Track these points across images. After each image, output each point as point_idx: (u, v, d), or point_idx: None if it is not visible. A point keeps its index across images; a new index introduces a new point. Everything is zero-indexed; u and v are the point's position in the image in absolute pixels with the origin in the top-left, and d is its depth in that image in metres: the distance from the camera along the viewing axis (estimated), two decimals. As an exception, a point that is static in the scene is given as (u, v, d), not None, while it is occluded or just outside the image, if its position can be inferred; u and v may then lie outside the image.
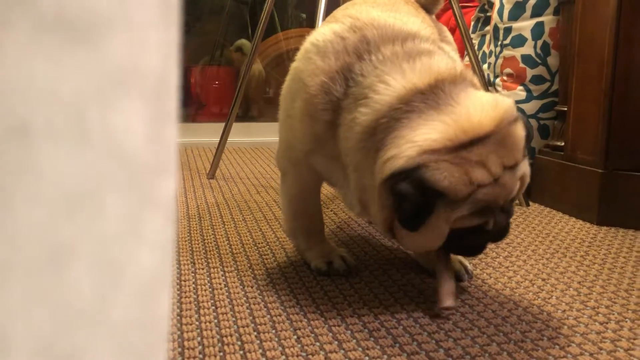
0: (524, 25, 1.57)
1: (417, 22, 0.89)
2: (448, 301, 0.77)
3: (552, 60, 1.54)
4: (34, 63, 0.16)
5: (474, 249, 0.82)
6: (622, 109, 1.24)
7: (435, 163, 0.70)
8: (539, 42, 1.55)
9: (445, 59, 0.79)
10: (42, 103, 0.16)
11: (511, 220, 0.83)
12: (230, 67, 2.80)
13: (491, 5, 1.79)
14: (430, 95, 0.74)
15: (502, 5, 1.62)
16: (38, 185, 0.17)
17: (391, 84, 0.76)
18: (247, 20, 2.83)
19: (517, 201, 0.84)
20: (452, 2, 1.46)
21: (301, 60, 0.85)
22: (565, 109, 1.40)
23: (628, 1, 1.21)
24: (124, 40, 0.18)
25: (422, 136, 0.71)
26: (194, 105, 2.71)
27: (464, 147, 0.71)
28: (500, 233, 0.80)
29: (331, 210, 1.35)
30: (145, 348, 0.20)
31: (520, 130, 0.75)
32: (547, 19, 1.54)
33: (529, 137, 0.78)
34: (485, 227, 0.76)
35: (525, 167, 0.77)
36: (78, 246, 0.18)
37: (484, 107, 0.74)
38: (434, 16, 1.15)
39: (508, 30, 1.60)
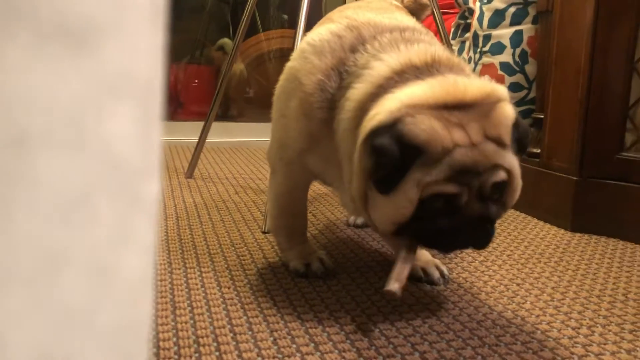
0: (503, 33, 1.59)
1: (412, 20, 0.90)
2: (393, 286, 0.73)
3: (530, 68, 1.56)
4: (34, 73, 0.16)
5: (446, 239, 0.75)
6: (597, 118, 1.26)
7: (414, 116, 0.69)
8: (518, 50, 1.57)
9: (446, 51, 0.80)
10: (41, 112, 0.16)
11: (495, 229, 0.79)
12: (211, 66, 2.79)
13: (471, 12, 1.81)
14: (425, 71, 0.74)
15: (482, 13, 1.65)
16: (35, 193, 0.16)
17: (385, 59, 0.76)
18: (229, 19, 2.82)
19: (503, 213, 0.80)
20: (434, 8, 1.48)
21: (297, 60, 0.85)
22: (542, 116, 1.42)
23: (604, 12, 1.23)
24: (118, 46, 0.18)
25: (405, 93, 0.71)
26: (173, 103, 2.69)
27: (446, 108, 0.70)
28: (479, 232, 0.75)
29: (310, 213, 1.35)
30: (131, 350, 0.20)
31: (508, 111, 0.72)
32: (526, 27, 1.56)
33: (524, 138, 0.74)
34: (458, 201, 0.71)
35: (513, 161, 0.73)
36: (72, 252, 0.18)
37: (474, 81, 0.74)
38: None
39: (487, 38, 1.62)
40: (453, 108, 0.70)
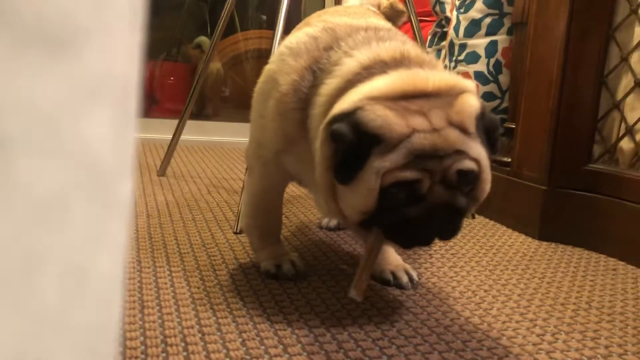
0: (479, 43, 1.61)
1: (388, 24, 0.92)
2: (353, 292, 0.74)
3: (504, 78, 1.59)
4: (15, 77, 0.16)
5: (413, 229, 0.73)
6: (566, 129, 1.29)
7: (372, 106, 0.69)
8: (492, 60, 1.59)
9: (417, 48, 0.81)
10: (21, 116, 0.16)
11: (462, 225, 0.77)
12: (187, 64, 2.77)
13: (448, 21, 1.84)
14: (392, 66, 0.75)
15: (458, 22, 1.67)
16: (12, 195, 0.16)
17: (356, 55, 0.77)
18: (207, 18, 2.80)
19: (472, 209, 0.77)
20: (411, 16, 1.49)
21: (275, 62, 0.86)
22: (514, 126, 1.44)
23: (576, 27, 1.26)
24: (97, 48, 0.18)
25: (368, 86, 0.72)
26: (148, 100, 2.66)
27: (406, 97, 0.70)
28: (445, 223, 0.73)
29: (283, 214, 1.35)
30: (101, 350, 0.20)
31: (472, 101, 0.72)
32: (501, 38, 1.59)
33: (494, 129, 0.74)
34: (419, 187, 0.70)
35: (481, 151, 0.72)
36: (48, 253, 0.17)
37: (438, 74, 0.74)
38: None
39: (463, 47, 1.64)
40: (414, 97, 0.71)
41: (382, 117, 0.68)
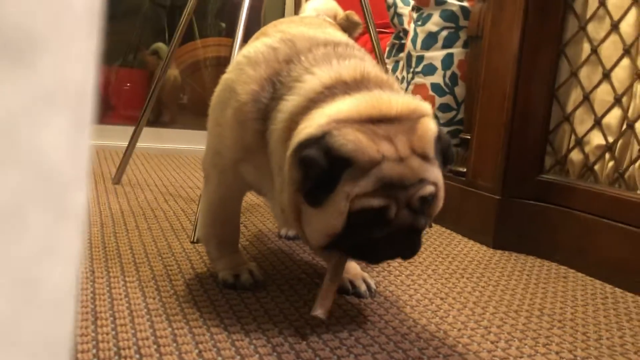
0: (435, 55, 1.65)
1: (345, 36, 0.92)
2: (319, 311, 0.75)
3: (459, 90, 1.62)
4: None
5: (377, 250, 0.76)
6: (519, 141, 1.33)
7: (342, 129, 0.70)
8: (448, 72, 1.63)
9: (376, 67, 0.83)
10: None
11: (422, 240, 0.81)
12: (144, 70, 2.72)
13: (406, 33, 1.87)
14: (353, 87, 0.76)
15: (415, 34, 1.70)
16: None
17: (317, 73, 0.78)
18: (165, 24, 2.77)
19: (429, 223, 0.84)
20: (370, 27, 1.51)
21: (233, 72, 0.86)
22: (469, 137, 1.48)
23: (529, 41, 1.30)
24: (55, 57, 0.17)
25: (332, 108, 0.73)
26: (103, 106, 2.60)
27: (372, 121, 0.72)
28: (407, 243, 0.77)
29: (241, 223, 1.34)
30: (52, 365, 0.19)
31: (431, 125, 0.75)
32: (457, 51, 1.62)
33: (447, 149, 0.77)
34: (387, 214, 0.72)
35: (438, 174, 0.76)
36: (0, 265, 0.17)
37: (399, 97, 0.76)
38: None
39: (420, 59, 1.67)
40: (379, 122, 0.72)
41: (354, 142, 0.70)
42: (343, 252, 0.78)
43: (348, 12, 1.21)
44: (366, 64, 0.81)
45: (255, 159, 0.84)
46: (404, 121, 0.73)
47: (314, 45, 0.83)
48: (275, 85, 0.80)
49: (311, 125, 0.72)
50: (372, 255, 0.78)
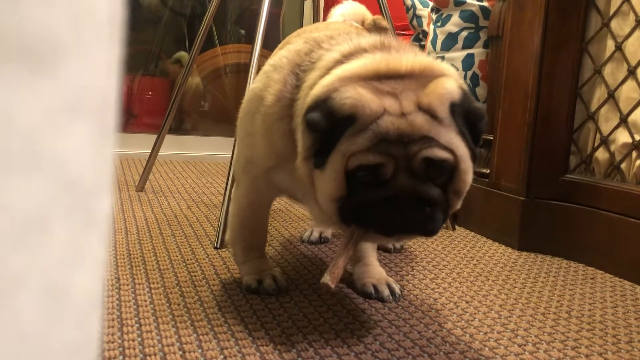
0: (456, 56, 1.63)
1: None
2: (327, 279, 0.71)
3: (481, 90, 1.61)
4: None
5: (380, 216, 0.70)
6: (543, 141, 1.31)
7: (344, 87, 0.69)
8: (469, 73, 1.61)
9: (403, 42, 0.81)
10: None
11: (437, 236, 0.77)
12: (166, 79, 2.75)
13: (426, 34, 1.86)
14: (371, 51, 0.75)
15: (435, 36, 1.69)
16: None
17: (337, 49, 0.77)
18: (185, 32, 2.79)
19: (452, 203, 0.73)
20: (389, 30, 1.50)
21: (259, 81, 0.87)
22: (492, 138, 1.46)
23: (551, 40, 1.29)
24: (76, 65, 0.17)
25: (342, 68, 0.72)
26: (126, 115, 2.64)
27: (379, 78, 0.70)
28: (416, 214, 0.70)
29: (263, 228, 1.35)
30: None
31: (449, 85, 0.69)
32: (477, 51, 1.61)
33: (475, 119, 0.70)
34: (382, 172, 0.68)
35: (455, 140, 0.69)
36: (27, 274, 0.17)
37: (415, 56, 0.73)
38: None
39: (440, 60, 1.66)
40: (388, 78, 0.70)
41: (354, 97, 0.68)
42: (349, 220, 0.73)
43: (376, 17, 1.21)
44: (391, 39, 0.79)
45: (288, 164, 0.83)
46: (417, 79, 0.70)
47: (335, 35, 0.83)
48: (298, 75, 0.80)
49: (319, 87, 0.72)
50: (377, 224, 0.72)
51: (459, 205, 0.74)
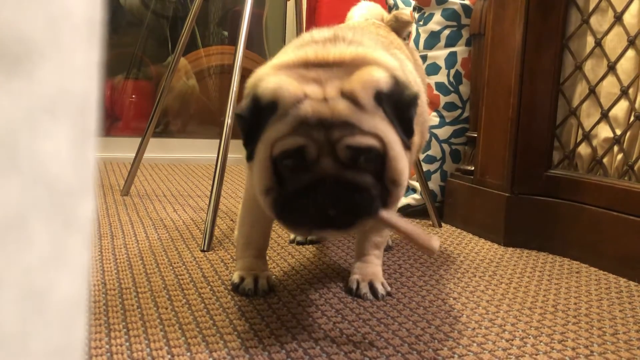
0: (438, 55, 1.64)
1: (392, 35, 0.97)
2: (433, 242, 0.70)
3: (464, 88, 1.62)
4: None
5: (305, 205, 0.68)
6: (526, 137, 1.32)
7: (268, 76, 0.70)
8: (452, 71, 1.62)
9: (376, 38, 0.84)
10: None
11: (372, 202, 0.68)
12: (149, 81, 2.73)
13: (408, 34, 1.86)
14: (319, 43, 0.76)
15: (418, 35, 1.70)
16: None
17: (294, 42, 0.81)
18: (168, 34, 2.78)
19: (394, 193, 0.71)
20: (372, 29, 1.51)
21: None
22: (476, 135, 1.47)
23: (532, 37, 1.30)
24: (54, 66, 0.17)
25: (275, 59, 0.75)
26: (109, 118, 2.62)
27: (306, 66, 0.71)
28: (344, 203, 0.68)
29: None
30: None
31: (375, 73, 0.69)
32: (460, 49, 1.62)
33: (403, 107, 0.69)
34: (305, 155, 0.67)
35: (383, 128, 0.68)
36: (5, 276, 0.17)
37: (347, 47, 0.74)
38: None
39: (423, 59, 1.67)
40: (315, 66, 0.71)
41: (275, 83, 0.69)
42: (284, 213, 0.70)
43: (396, 12, 1.21)
44: (361, 33, 0.81)
45: None
46: (345, 67, 0.70)
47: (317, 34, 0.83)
48: None
49: (252, 76, 0.74)
50: (301, 211, 0.69)
51: (401, 194, 0.73)
